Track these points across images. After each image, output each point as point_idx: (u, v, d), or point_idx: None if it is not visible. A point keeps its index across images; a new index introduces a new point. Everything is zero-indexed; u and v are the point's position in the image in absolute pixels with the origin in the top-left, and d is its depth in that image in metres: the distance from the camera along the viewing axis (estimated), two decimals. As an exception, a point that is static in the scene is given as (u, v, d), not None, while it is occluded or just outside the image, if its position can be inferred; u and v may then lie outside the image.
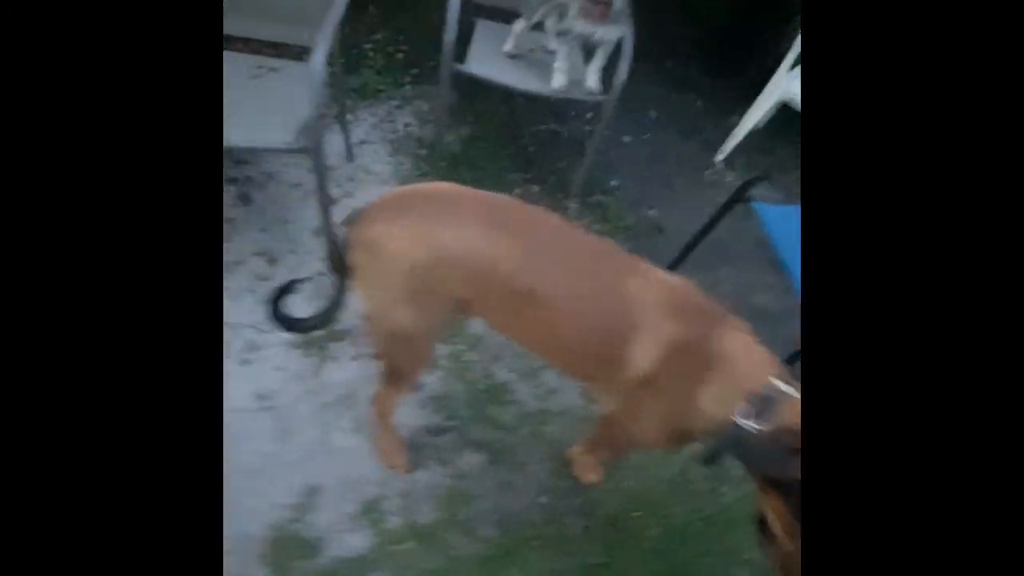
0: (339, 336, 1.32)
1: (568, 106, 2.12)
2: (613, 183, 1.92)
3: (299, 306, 1.06)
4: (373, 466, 1.15)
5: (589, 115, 2.18)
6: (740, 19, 2.36)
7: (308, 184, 1.61)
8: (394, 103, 1.90)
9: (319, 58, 1.07)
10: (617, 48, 1.45)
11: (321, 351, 1.29)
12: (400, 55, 1.99)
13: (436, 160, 1.76)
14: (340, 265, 0.89)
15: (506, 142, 1.92)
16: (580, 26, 1.34)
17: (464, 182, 1.73)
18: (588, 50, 1.55)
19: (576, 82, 1.52)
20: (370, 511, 1.09)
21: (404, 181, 1.69)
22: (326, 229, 1.35)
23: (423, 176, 1.71)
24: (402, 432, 1.19)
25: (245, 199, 1.53)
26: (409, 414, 1.23)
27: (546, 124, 2.06)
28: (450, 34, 1.41)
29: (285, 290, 0.98)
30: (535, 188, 1.82)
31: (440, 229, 0.79)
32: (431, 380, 1.29)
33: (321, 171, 1.18)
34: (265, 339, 1.28)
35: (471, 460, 1.20)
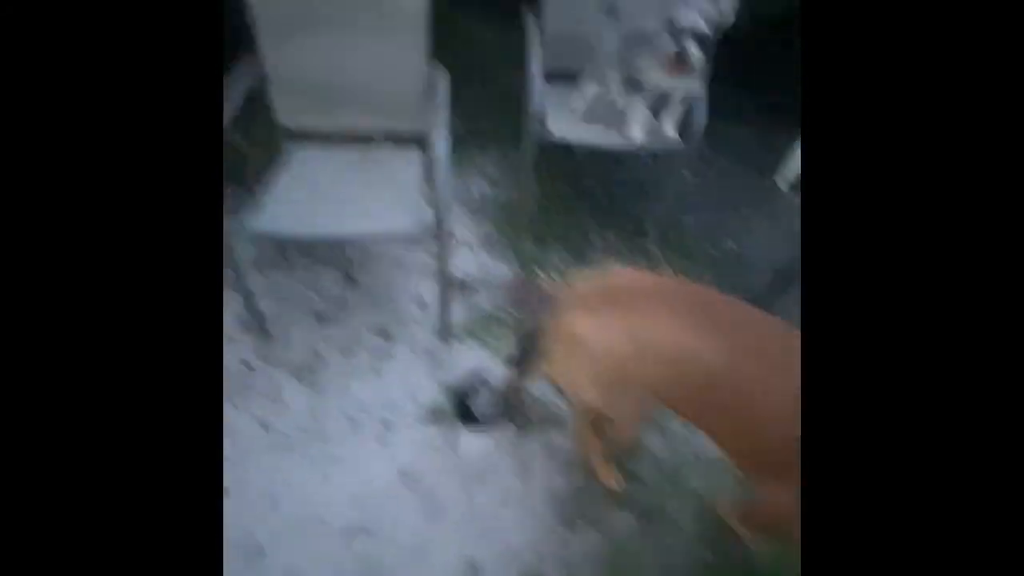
0: (466, 405, 1.34)
1: (627, 154, 2.19)
2: (686, 221, 1.95)
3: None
4: (526, 537, 1.14)
5: (647, 160, 2.25)
6: (777, 45, 2.45)
7: (406, 260, 1.67)
8: (465, 169, 1.99)
9: (443, 145, 1.13)
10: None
11: (454, 425, 1.31)
12: (469, 124, 2.09)
13: (516, 220, 1.82)
14: (530, 351, 0.92)
15: (575, 195, 1.98)
16: (662, 80, 1.41)
17: (544, 238, 1.78)
18: (656, 101, 1.61)
19: (654, 132, 1.58)
20: (535, 584, 1.08)
21: (490, 244, 1.74)
22: (445, 305, 1.39)
23: (509, 238, 1.76)
24: (544, 495, 1.19)
25: (351, 281, 1.59)
26: (552, 479, 1.22)
27: (609, 174, 2.13)
28: (535, 102, 1.48)
29: (469, 390, 1.02)
30: (611, 235, 1.86)
31: (643, 322, 0.80)
32: (564, 441, 1.30)
33: (444, 252, 1.23)
34: (398, 417, 1.30)
35: (620, 519, 1.18)
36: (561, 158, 2.06)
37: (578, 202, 1.92)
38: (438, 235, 1.18)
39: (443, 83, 1.30)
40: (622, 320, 0.81)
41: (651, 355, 0.80)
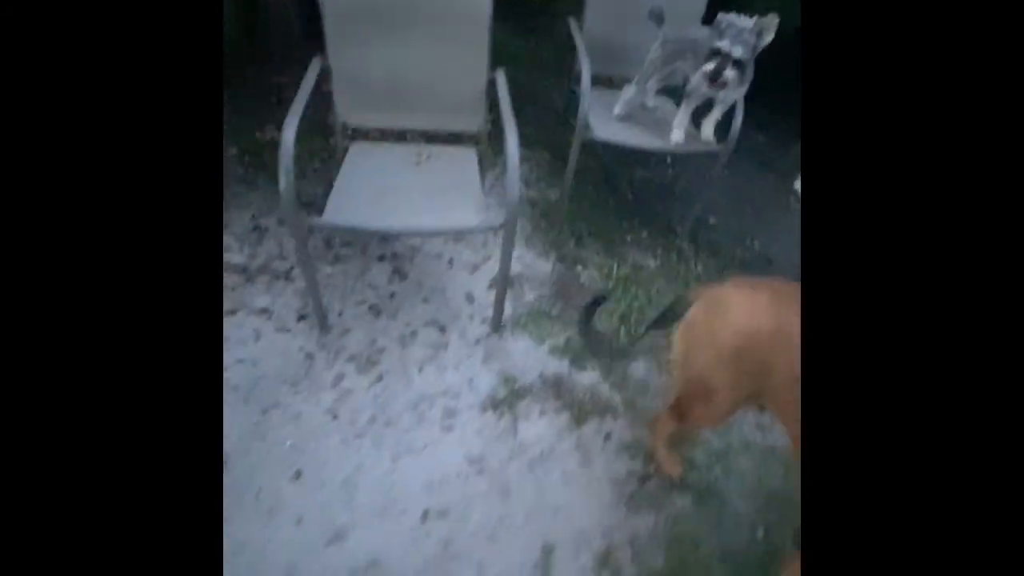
0: (522, 394, 1.39)
1: (651, 156, 2.27)
2: (712, 221, 2.04)
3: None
4: (593, 518, 1.19)
5: (668, 160, 2.33)
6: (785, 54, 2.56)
7: (449, 253, 1.72)
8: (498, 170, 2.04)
9: (514, 143, 1.18)
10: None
11: (511, 410, 1.35)
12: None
13: (552, 217, 1.87)
14: (672, 313, 1.00)
15: (605, 194, 2.05)
16: (705, 89, 1.48)
17: (581, 234, 1.84)
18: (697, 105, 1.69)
19: (691, 135, 1.66)
20: (606, 563, 1.13)
21: (528, 240, 1.79)
22: (503, 298, 1.44)
23: (548, 233, 1.82)
24: (605, 478, 1.24)
25: (400, 274, 1.63)
26: (611, 464, 1.28)
27: (636, 173, 2.20)
28: (584, 106, 1.54)
29: (595, 304, 1.17)
30: (644, 233, 1.93)
31: (789, 306, 0.84)
32: (617, 427, 1.36)
33: (509, 248, 1.27)
34: (459, 405, 1.34)
35: (680, 502, 1.24)
36: (587, 158, 2.13)
37: (604, 200, 1.99)
38: (506, 231, 1.23)
39: (505, 86, 1.35)
40: (771, 297, 0.87)
41: (784, 338, 0.83)
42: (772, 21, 1.27)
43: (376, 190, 1.31)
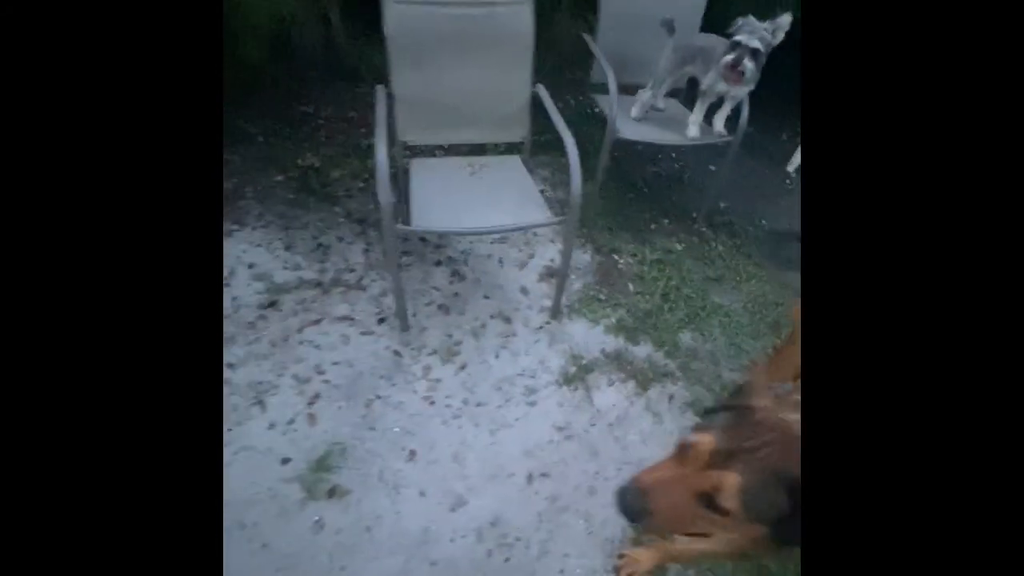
0: (590, 369, 1.55)
1: (659, 151, 2.49)
2: (723, 205, 2.25)
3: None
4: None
5: (673, 154, 2.55)
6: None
7: (498, 254, 1.88)
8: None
9: (572, 147, 1.36)
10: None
11: (583, 383, 1.51)
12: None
13: (584, 212, 2.05)
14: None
15: (624, 189, 2.24)
16: (721, 87, 1.69)
17: (611, 227, 2.02)
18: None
19: (705, 130, 1.87)
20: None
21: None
22: (562, 285, 1.60)
23: (582, 227, 1.99)
24: (679, 434, 1.41)
25: (459, 275, 1.78)
26: (678, 420, 1.45)
27: (647, 169, 2.41)
28: (613, 111, 1.74)
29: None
30: (665, 221, 2.13)
31: None
32: (677, 390, 1.53)
33: (570, 242, 1.45)
34: (537, 383, 1.50)
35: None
36: (609, 158, 2.32)
37: (623, 192, 2.19)
38: (568, 224, 1.40)
39: (549, 99, 1.53)
40: None
41: None
42: (786, 20, 1.48)
43: (447, 198, 1.47)
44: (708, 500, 0.60)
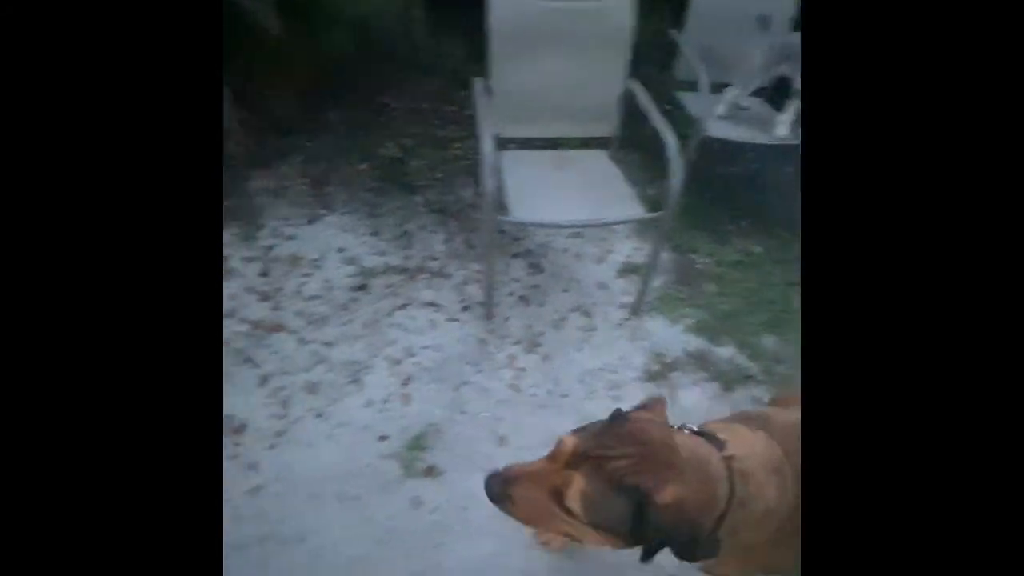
0: (673, 367, 1.55)
1: (736, 151, 2.44)
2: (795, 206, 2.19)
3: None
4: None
5: (751, 154, 2.49)
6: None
7: (575, 248, 1.89)
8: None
9: (672, 143, 1.36)
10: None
11: (667, 380, 1.51)
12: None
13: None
14: None
15: (700, 188, 2.21)
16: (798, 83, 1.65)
17: (687, 226, 1.98)
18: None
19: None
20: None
21: (641, 233, 1.96)
22: (648, 282, 1.60)
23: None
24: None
25: (537, 268, 1.80)
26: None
27: (722, 169, 2.37)
28: (704, 107, 1.72)
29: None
30: (743, 222, 2.09)
31: None
32: (762, 392, 1.51)
33: (662, 239, 1.44)
34: (620, 378, 1.51)
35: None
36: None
37: (705, 194, 2.16)
38: (664, 219, 1.40)
39: (645, 94, 1.53)
40: None
41: None
42: None
43: (542, 191, 1.49)
44: (559, 498, 0.61)
